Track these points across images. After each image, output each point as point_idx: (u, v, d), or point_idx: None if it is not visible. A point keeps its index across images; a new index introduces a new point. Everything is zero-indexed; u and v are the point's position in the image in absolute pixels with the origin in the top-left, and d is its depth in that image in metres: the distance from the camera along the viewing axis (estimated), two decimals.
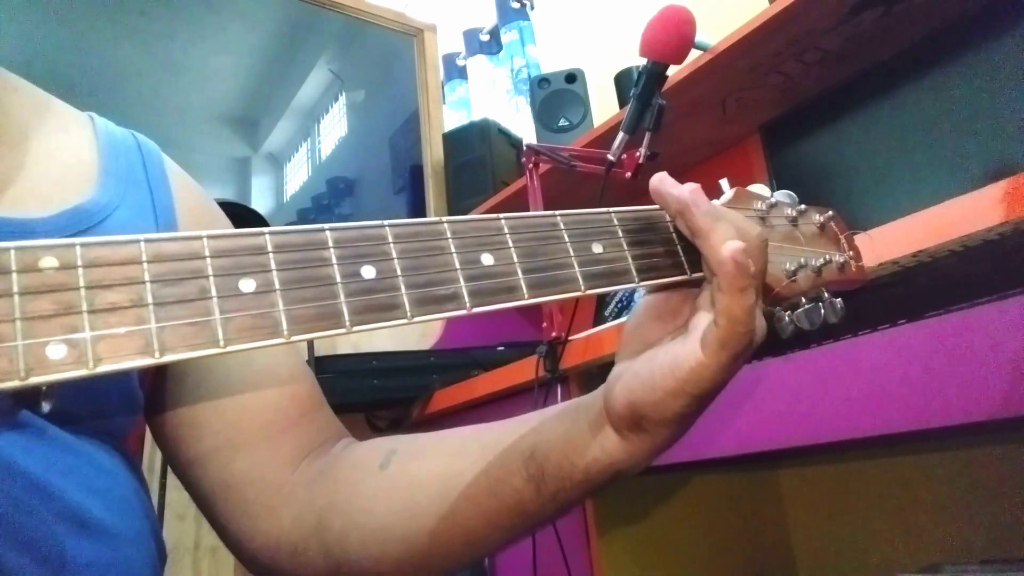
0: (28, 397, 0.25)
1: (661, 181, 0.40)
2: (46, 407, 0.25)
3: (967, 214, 0.65)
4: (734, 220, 0.39)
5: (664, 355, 0.38)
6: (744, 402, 0.81)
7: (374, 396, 1.44)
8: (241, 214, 1.38)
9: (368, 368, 1.44)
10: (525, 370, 1.14)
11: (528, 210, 1.26)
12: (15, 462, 0.38)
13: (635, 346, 0.41)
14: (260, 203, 1.79)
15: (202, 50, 1.77)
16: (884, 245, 0.71)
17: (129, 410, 0.49)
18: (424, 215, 1.98)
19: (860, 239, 0.52)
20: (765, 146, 1.38)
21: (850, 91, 1.21)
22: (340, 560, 0.48)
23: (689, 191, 0.39)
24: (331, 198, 1.89)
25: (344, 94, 1.98)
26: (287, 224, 1.77)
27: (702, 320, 0.38)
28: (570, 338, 1.07)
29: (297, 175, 1.88)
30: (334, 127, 1.95)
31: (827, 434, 0.73)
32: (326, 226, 0.32)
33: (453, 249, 0.35)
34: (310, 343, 1.43)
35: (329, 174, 1.91)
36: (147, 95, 1.64)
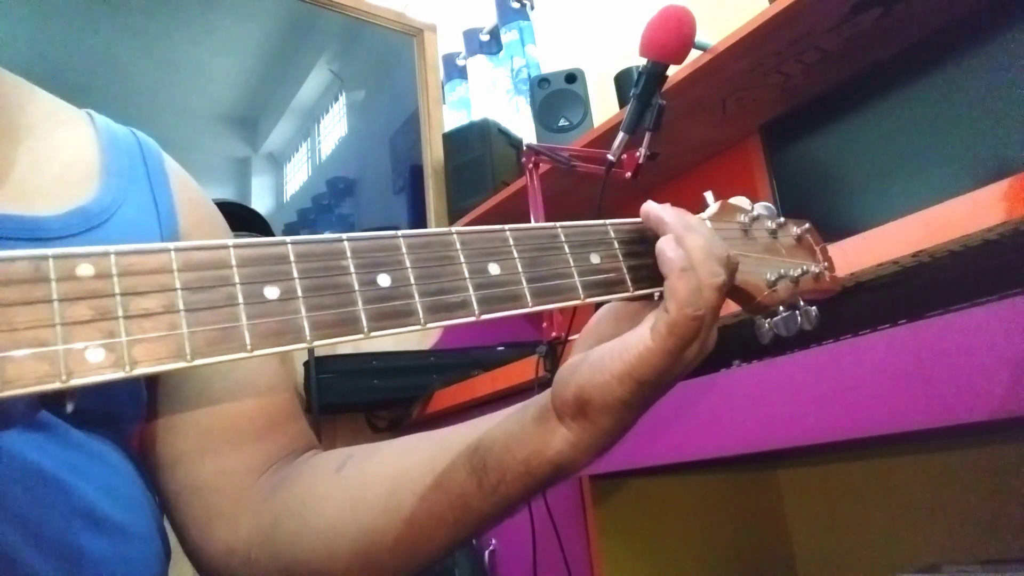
0: (54, 398, 0.25)
1: (647, 204, 0.43)
2: (70, 407, 0.26)
3: (967, 214, 0.65)
4: (703, 229, 0.41)
5: (615, 342, 0.39)
6: (744, 402, 0.81)
7: (374, 396, 1.45)
8: (241, 214, 1.38)
9: (368, 368, 1.44)
10: (525, 370, 1.14)
11: (528, 210, 1.26)
12: (32, 460, 0.39)
13: (591, 342, 0.43)
14: (260, 203, 1.79)
15: (202, 50, 1.77)
16: (884, 245, 0.71)
17: (137, 411, 0.50)
18: (424, 215, 1.98)
19: (832, 250, 0.53)
20: (765, 146, 1.38)
21: (850, 91, 1.21)
22: (290, 564, 0.48)
23: (663, 207, 0.42)
24: (331, 198, 1.89)
25: (344, 94, 1.98)
26: (287, 224, 1.75)
27: (657, 311, 0.39)
28: (570, 338, 1.07)
29: (297, 175, 1.88)
30: (334, 127, 1.95)
31: (827, 434, 0.73)
32: (344, 236, 0.34)
33: (462, 259, 0.36)
34: None
35: (329, 174, 1.91)
36: (147, 95, 1.64)
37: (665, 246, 0.39)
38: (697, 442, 0.86)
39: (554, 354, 1.07)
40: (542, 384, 1.09)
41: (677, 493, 1.19)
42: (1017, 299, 0.61)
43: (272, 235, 1.46)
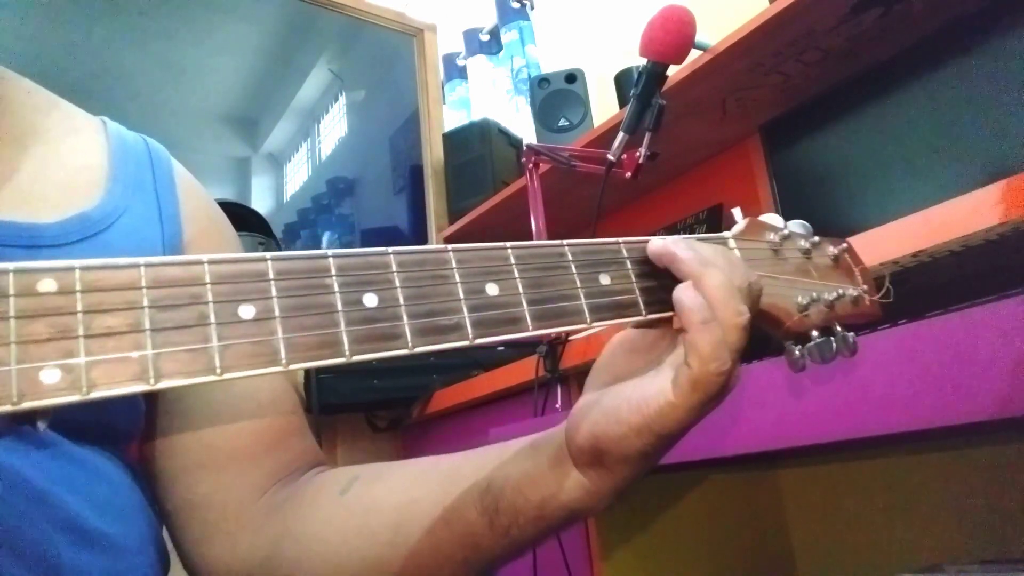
0: (23, 416, 0.24)
1: (652, 243, 0.39)
2: (42, 426, 0.25)
3: (967, 214, 0.65)
4: (720, 262, 0.38)
5: (633, 390, 0.37)
6: (744, 402, 0.81)
7: (374, 396, 1.45)
8: (241, 214, 1.38)
9: (368, 368, 1.44)
10: (525, 370, 1.14)
11: (528, 210, 1.26)
12: (17, 471, 0.38)
13: (604, 378, 0.40)
14: (260, 203, 1.79)
15: (202, 50, 1.77)
16: (884, 245, 0.71)
17: (134, 423, 0.49)
18: (424, 215, 1.98)
19: (855, 241, 0.51)
20: (765, 146, 1.38)
21: (850, 91, 1.21)
22: None
23: (673, 242, 0.38)
24: (331, 198, 1.89)
25: (344, 94, 1.98)
26: (287, 224, 1.75)
27: (677, 358, 0.37)
28: (570, 338, 1.07)
29: (297, 175, 1.88)
30: (334, 127, 1.95)
31: (827, 434, 0.73)
32: (329, 252, 0.32)
33: (458, 278, 0.34)
34: None
35: (329, 174, 1.91)
36: (147, 95, 1.64)
37: (683, 295, 0.36)
38: (697, 442, 0.86)
39: (554, 354, 1.07)
40: (542, 384, 1.09)
41: (677, 493, 1.18)
42: (1017, 299, 0.61)
43: (272, 234, 1.46)
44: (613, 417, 0.36)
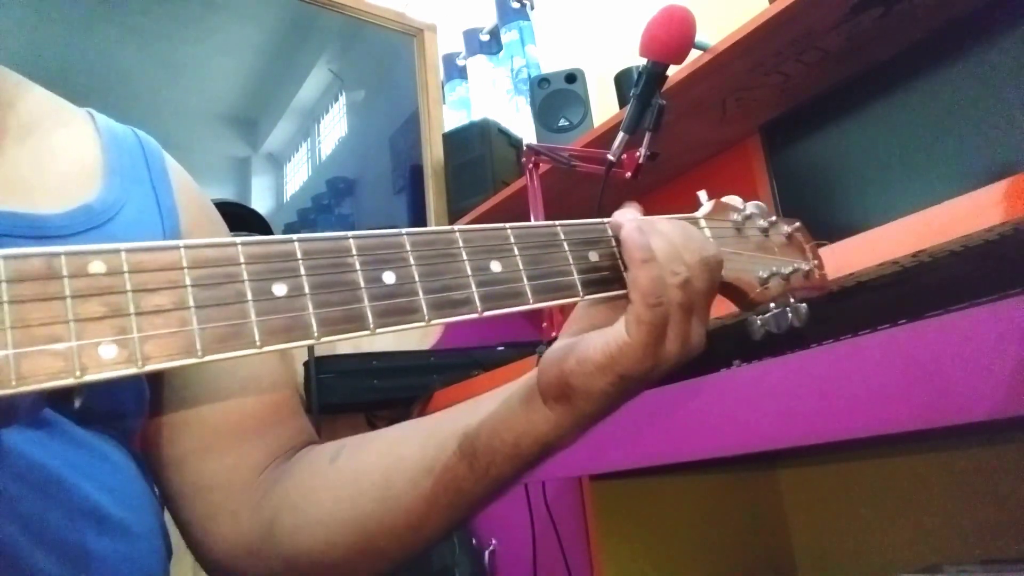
0: (61, 394, 0.26)
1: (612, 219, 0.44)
2: (77, 403, 0.26)
3: (967, 214, 0.65)
4: (674, 236, 0.42)
5: (599, 334, 0.40)
6: (744, 402, 0.81)
7: (374, 396, 1.45)
8: (241, 214, 1.38)
9: (368, 368, 1.44)
10: (525, 370, 1.13)
11: (528, 210, 1.26)
12: (36, 459, 0.39)
13: (582, 325, 0.44)
14: (260, 203, 1.79)
15: (202, 50, 1.77)
16: (884, 245, 0.71)
17: (140, 409, 0.50)
18: (424, 215, 1.98)
19: (833, 250, 0.54)
20: (765, 146, 1.38)
21: (850, 91, 1.21)
22: (292, 556, 0.49)
23: (619, 212, 0.43)
24: (331, 198, 1.89)
25: (344, 94, 1.98)
26: (287, 224, 1.75)
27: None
28: None
29: (297, 175, 1.88)
30: (334, 127, 1.95)
31: (827, 434, 0.73)
32: (349, 234, 0.34)
33: (465, 256, 0.37)
34: None
35: (329, 174, 1.91)
36: (147, 95, 1.64)
37: (626, 236, 0.41)
38: (697, 442, 0.86)
39: None
40: None
41: (677, 493, 1.19)
42: (1017, 299, 0.61)
43: (272, 235, 1.46)
44: (581, 357, 0.40)
